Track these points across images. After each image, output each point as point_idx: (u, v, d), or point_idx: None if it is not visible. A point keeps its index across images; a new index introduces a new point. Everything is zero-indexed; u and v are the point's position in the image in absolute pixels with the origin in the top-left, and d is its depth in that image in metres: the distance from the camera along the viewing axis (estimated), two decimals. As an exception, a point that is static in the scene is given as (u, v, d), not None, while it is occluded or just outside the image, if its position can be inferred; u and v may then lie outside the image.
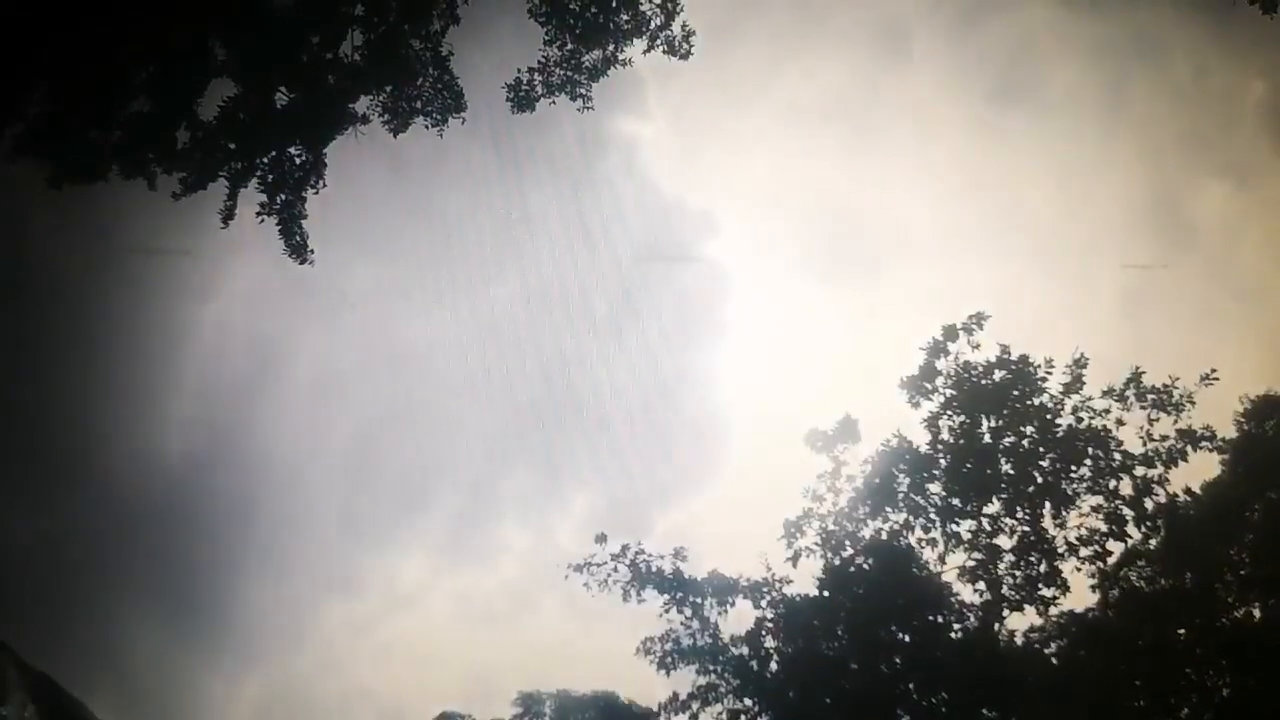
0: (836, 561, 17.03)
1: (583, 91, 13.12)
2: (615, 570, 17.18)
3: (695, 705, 16.64)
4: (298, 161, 13.14)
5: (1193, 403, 16.52)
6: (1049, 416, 16.96)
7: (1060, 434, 16.88)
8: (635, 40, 13.11)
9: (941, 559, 16.97)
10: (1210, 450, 16.54)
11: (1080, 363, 17.02)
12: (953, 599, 16.59)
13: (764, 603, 17.06)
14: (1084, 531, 16.51)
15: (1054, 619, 16.36)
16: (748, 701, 16.63)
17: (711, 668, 16.63)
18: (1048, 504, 16.70)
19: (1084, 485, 16.71)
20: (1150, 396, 16.71)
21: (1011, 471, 16.97)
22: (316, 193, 13.09)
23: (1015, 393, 17.06)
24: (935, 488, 17.25)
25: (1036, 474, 16.87)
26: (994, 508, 16.97)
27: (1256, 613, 15.61)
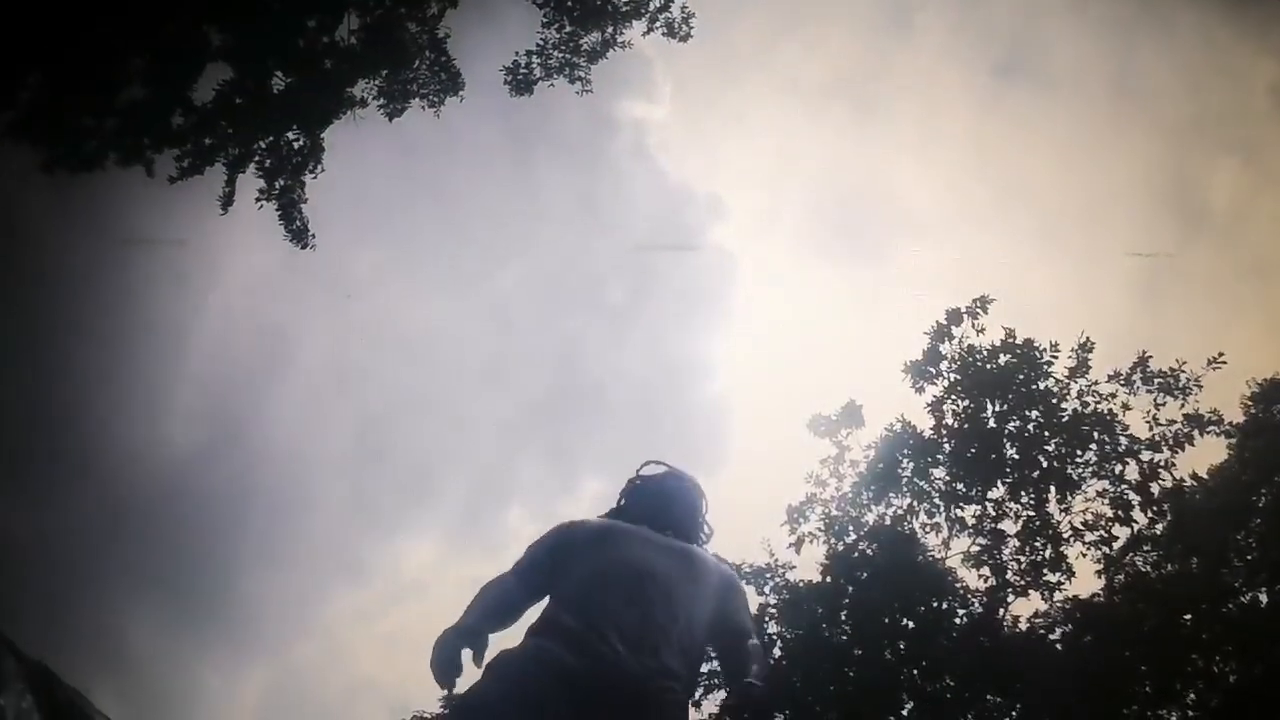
0: (840, 547, 16.96)
1: (581, 74, 13.05)
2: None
3: (697, 692, 16.61)
4: (296, 146, 13.13)
5: (1200, 386, 16.39)
6: (1054, 401, 16.83)
7: (1065, 418, 16.74)
8: (634, 22, 13.05)
9: (945, 544, 16.91)
10: (1217, 435, 16.39)
11: (1086, 347, 16.88)
12: (957, 584, 16.51)
13: (767, 589, 17.04)
14: (1089, 516, 16.38)
15: (1059, 604, 16.26)
16: (751, 687, 16.58)
17: (713, 654, 16.58)
18: (1053, 489, 16.58)
19: (1089, 470, 16.59)
20: (1157, 380, 16.56)
21: (1016, 456, 16.85)
22: (315, 177, 13.10)
23: (1020, 377, 16.92)
24: (939, 472, 17.17)
25: (1041, 458, 16.75)
26: (998, 492, 16.86)
27: (1263, 598, 15.48)
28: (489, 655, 3.02)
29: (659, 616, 3.04)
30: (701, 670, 3.12)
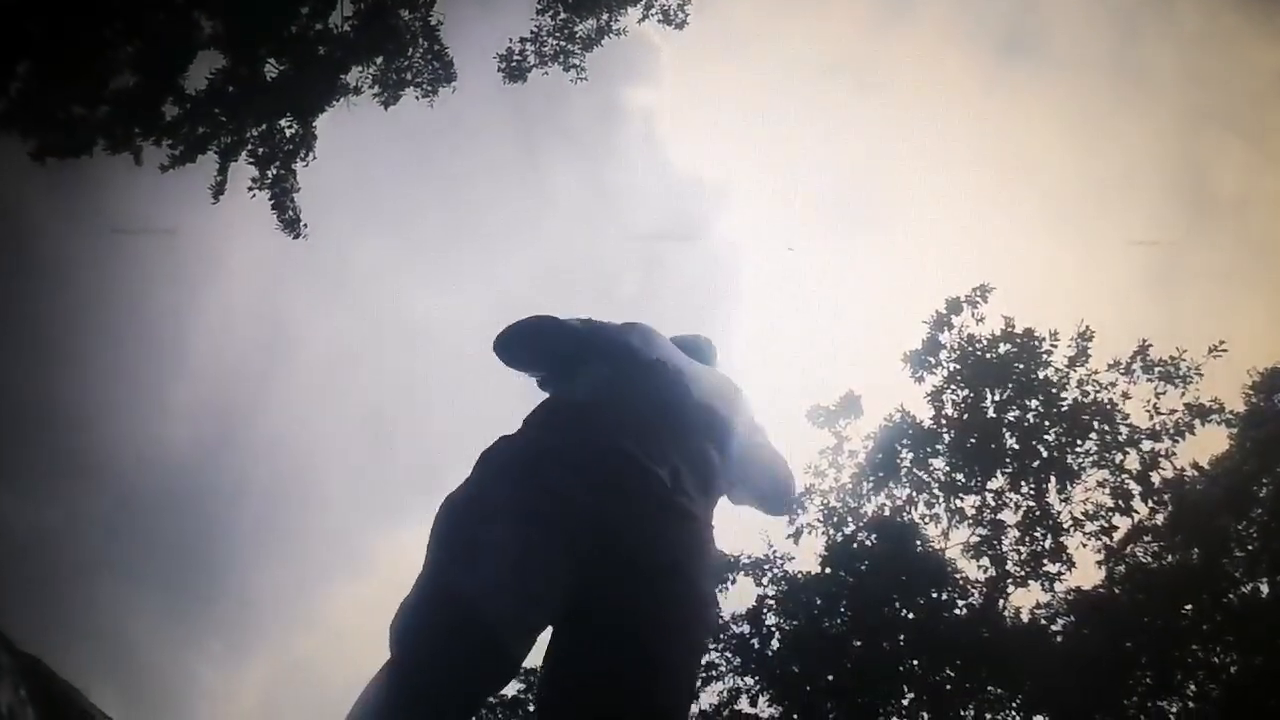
0: (839, 538, 16.88)
1: (575, 62, 12.90)
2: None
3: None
4: (289, 134, 13.03)
5: (1200, 375, 16.24)
6: (1054, 390, 16.70)
7: (1065, 408, 16.62)
8: (629, 9, 12.90)
9: (945, 535, 16.82)
10: (1218, 424, 16.26)
11: (1086, 335, 16.75)
12: (956, 575, 16.42)
13: (765, 580, 16.95)
14: (1090, 507, 16.28)
15: (1059, 595, 16.18)
16: (749, 680, 16.54)
17: (712, 646, 16.49)
18: (1053, 479, 16.47)
19: (1090, 460, 16.46)
20: (1157, 369, 16.42)
21: (1016, 446, 16.73)
22: (307, 165, 13.00)
23: (1020, 366, 16.80)
24: (939, 463, 17.06)
25: (1041, 448, 16.63)
26: (998, 483, 16.76)
27: (1264, 589, 15.39)
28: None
29: (693, 446, 2.47)
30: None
